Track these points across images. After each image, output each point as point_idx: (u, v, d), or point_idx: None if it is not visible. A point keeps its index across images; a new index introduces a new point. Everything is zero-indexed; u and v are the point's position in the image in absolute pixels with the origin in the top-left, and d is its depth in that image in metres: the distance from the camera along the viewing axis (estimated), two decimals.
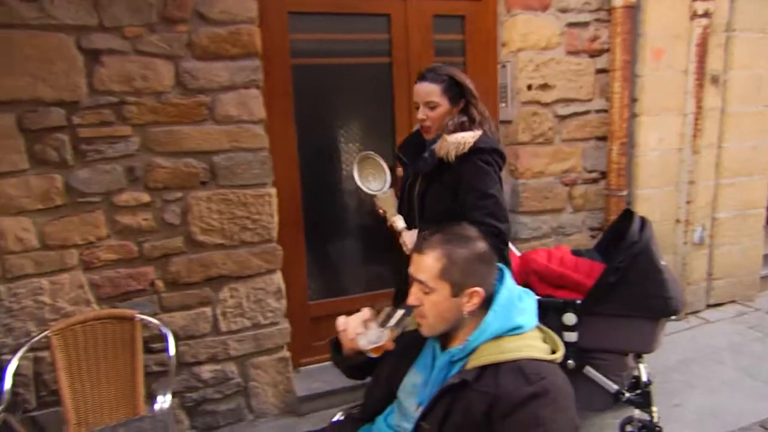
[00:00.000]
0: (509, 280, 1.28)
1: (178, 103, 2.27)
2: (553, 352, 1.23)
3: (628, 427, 2.27)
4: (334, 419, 1.59)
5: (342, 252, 3.01)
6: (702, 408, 2.47)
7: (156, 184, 2.29)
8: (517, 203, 3.00)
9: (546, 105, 2.94)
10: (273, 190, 2.48)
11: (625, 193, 3.07)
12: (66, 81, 2.11)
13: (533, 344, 1.21)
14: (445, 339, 1.32)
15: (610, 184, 3.07)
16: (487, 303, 1.25)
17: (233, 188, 2.41)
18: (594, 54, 2.98)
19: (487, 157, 1.73)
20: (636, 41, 2.94)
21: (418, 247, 1.26)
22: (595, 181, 3.15)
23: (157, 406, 1.80)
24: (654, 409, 2.18)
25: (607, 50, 2.98)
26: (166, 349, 2.06)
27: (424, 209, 1.87)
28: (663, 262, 2.10)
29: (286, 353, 2.63)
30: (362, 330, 1.29)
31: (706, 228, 3.37)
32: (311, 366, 2.87)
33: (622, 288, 2.07)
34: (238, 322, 2.53)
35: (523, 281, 2.33)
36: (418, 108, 1.82)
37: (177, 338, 2.44)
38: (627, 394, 2.21)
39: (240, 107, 2.36)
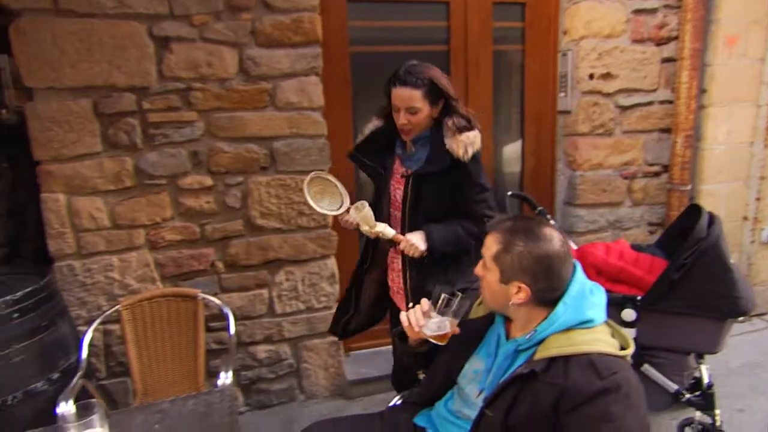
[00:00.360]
0: (580, 274, 1.26)
1: (241, 89, 2.33)
2: (622, 348, 1.21)
3: (687, 429, 2.20)
4: (392, 403, 1.62)
5: None
6: None
7: (218, 168, 2.36)
8: (574, 196, 2.93)
9: (607, 95, 2.85)
10: None
11: (688, 187, 2.94)
12: (138, 67, 2.20)
13: (603, 339, 1.19)
14: (509, 325, 1.32)
15: (672, 178, 2.95)
16: (543, 301, 1.23)
17: (291, 174, 2.46)
18: (661, 42, 2.86)
19: (479, 154, 1.79)
20: (707, 28, 2.80)
21: (491, 226, 1.29)
22: (656, 174, 3.03)
23: (220, 382, 1.88)
24: (717, 412, 2.10)
25: (675, 38, 2.85)
26: (226, 328, 2.13)
27: (416, 213, 1.82)
28: (732, 261, 2.01)
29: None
30: (424, 321, 1.33)
31: None
32: (361, 351, 2.91)
33: (686, 285, 1.99)
34: (293, 304, 2.59)
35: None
36: (397, 111, 1.73)
37: (234, 318, 2.53)
38: (687, 395, 2.14)
39: (300, 94, 2.40)
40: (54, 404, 1.77)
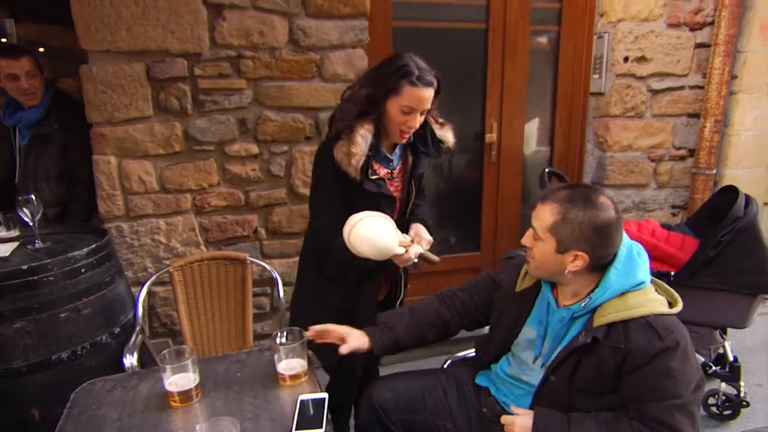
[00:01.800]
0: (626, 236, 1.30)
1: (290, 59, 2.36)
2: (669, 305, 1.27)
3: (711, 400, 2.31)
4: (447, 363, 1.70)
5: (435, 214, 3.07)
6: None
7: (264, 137, 2.41)
8: (602, 176, 3.00)
9: (641, 78, 2.90)
10: None
11: (714, 172, 3.02)
12: (191, 33, 2.22)
13: (655, 298, 1.25)
14: (557, 291, 1.37)
15: (699, 162, 3.02)
16: (595, 267, 1.27)
17: None
18: (695, 27, 2.91)
19: None
20: (744, 15, 2.84)
21: (543, 196, 1.29)
22: (682, 158, 3.11)
23: (278, 340, 1.95)
24: (742, 384, 2.21)
25: (711, 23, 2.90)
26: (268, 293, 2.20)
27: (406, 205, 1.77)
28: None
29: None
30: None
31: None
32: None
33: (721, 262, 2.08)
34: None
35: None
36: (411, 113, 1.52)
37: (274, 283, 2.60)
38: (714, 367, 2.25)
39: (347, 66, 2.43)
40: (118, 356, 1.84)
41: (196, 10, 2.21)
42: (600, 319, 1.24)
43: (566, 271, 1.26)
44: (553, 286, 1.39)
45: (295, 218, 2.54)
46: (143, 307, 2.06)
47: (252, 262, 2.25)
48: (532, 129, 3.14)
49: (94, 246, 1.84)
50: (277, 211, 2.52)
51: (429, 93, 1.50)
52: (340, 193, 1.58)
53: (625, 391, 1.21)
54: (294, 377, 1.35)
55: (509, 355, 1.49)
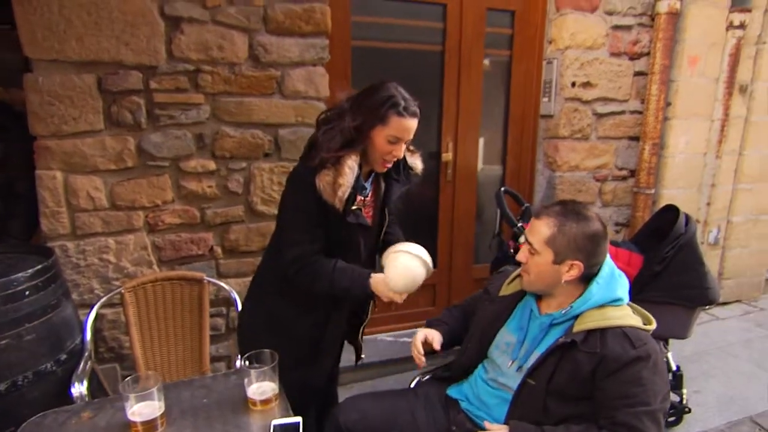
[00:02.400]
0: (609, 258, 1.40)
1: (250, 75, 2.33)
2: (644, 324, 1.36)
3: None
4: (417, 380, 1.70)
5: None
6: (721, 395, 2.64)
7: (222, 153, 2.35)
8: (553, 195, 3.13)
9: (586, 102, 3.07)
10: None
11: (653, 191, 3.22)
12: (147, 46, 2.15)
13: (630, 314, 1.34)
14: (541, 302, 1.44)
15: (639, 182, 3.22)
16: (585, 277, 1.37)
17: (294, 162, 2.46)
18: (634, 57, 3.11)
19: None
20: (674, 47, 3.07)
21: (537, 212, 1.38)
22: (624, 178, 3.30)
23: (239, 363, 1.88)
24: (684, 391, 2.34)
25: (647, 54, 3.11)
26: (236, 312, 2.13)
27: (378, 232, 1.77)
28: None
29: None
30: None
31: (721, 230, 3.55)
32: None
33: (665, 276, 2.21)
34: None
35: None
36: (396, 143, 1.52)
37: (229, 303, 2.53)
38: None
39: (307, 83, 2.43)
40: (64, 386, 1.73)
41: (152, 22, 2.14)
42: (580, 326, 1.32)
43: (562, 281, 1.34)
44: (538, 297, 1.47)
45: (253, 236, 2.48)
46: (92, 331, 1.94)
47: (209, 282, 2.18)
48: (489, 149, 3.24)
49: (39, 267, 1.73)
50: (234, 229, 2.45)
51: (414, 123, 1.52)
52: (319, 221, 1.56)
53: (598, 398, 1.26)
54: (265, 402, 1.31)
55: (485, 362, 1.52)
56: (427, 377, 1.71)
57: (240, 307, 2.10)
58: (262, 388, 1.31)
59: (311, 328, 1.72)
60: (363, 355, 1.98)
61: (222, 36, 2.25)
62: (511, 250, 2.48)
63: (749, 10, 3.17)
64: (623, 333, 1.28)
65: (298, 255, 1.57)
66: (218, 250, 2.45)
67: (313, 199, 1.51)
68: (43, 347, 1.72)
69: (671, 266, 2.20)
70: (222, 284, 2.18)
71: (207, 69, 2.25)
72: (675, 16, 2.99)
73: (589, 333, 1.30)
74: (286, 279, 1.66)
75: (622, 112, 3.17)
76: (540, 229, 1.35)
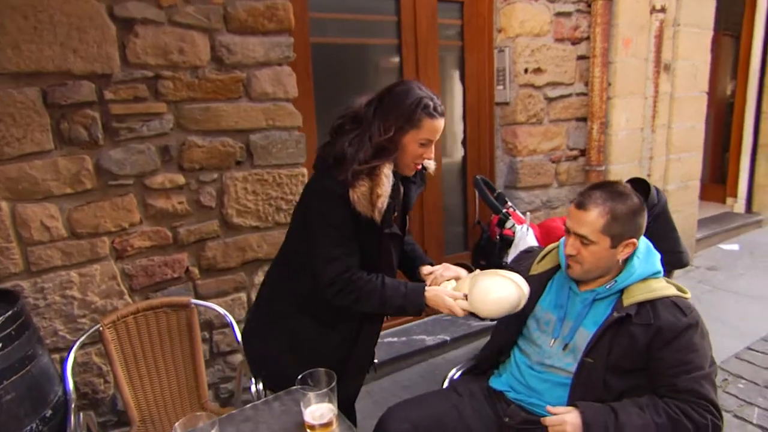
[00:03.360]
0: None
1: (214, 78, 2.16)
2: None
3: None
4: (453, 377, 1.66)
5: None
6: None
7: (191, 165, 2.16)
8: (515, 179, 3.21)
9: (538, 88, 3.18)
10: (305, 170, 2.44)
11: (603, 168, 3.40)
12: (98, 52, 1.92)
13: (669, 285, 1.39)
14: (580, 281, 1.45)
15: (590, 160, 3.38)
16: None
17: (268, 168, 2.34)
18: (575, 41, 3.27)
19: None
20: (611, 31, 3.26)
21: (580, 203, 1.36)
22: (575, 158, 3.46)
23: (253, 388, 1.73)
24: None
25: (587, 38, 3.28)
26: (233, 334, 1.96)
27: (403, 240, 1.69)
28: None
29: None
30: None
31: None
32: None
33: None
34: None
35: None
36: (427, 145, 1.46)
37: (212, 327, 2.34)
38: None
39: (275, 84, 2.29)
40: None
41: (102, 25, 1.91)
42: (629, 300, 1.35)
43: (619, 261, 1.37)
44: None
45: (231, 252, 2.31)
46: (73, 377, 1.70)
47: (197, 306, 1.99)
48: (450, 138, 3.25)
49: (8, 314, 1.48)
50: (210, 246, 2.27)
51: (443, 122, 1.46)
52: (352, 235, 1.46)
53: (655, 368, 1.29)
54: (325, 425, 1.21)
55: (522, 344, 1.52)
56: (459, 373, 1.68)
57: (238, 333, 1.94)
58: (320, 410, 1.21)
59: (338, 347, 1.61)
60: (376, 360, 1.89)
61: (181, 38, 2.06)
62: (497, 237, 2.51)
63: None
64: (672, 303, 1.32)
65: (338, 272, 1.45)
66: (195, 270, 2.26)
67: (345, 213, 1.41)
68: (26, 406, 1.48)
69: (649, 236, 2.33)
70: (214, 306, 2.00)
71: (167, 74, 2.06)
72: (610, 2, 3.18)
73: (640, 306, 1.33)
74: (307, 295, 1.55)
75: (570, 95, 3.32)
76: (591, 220, 1.34)
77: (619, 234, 1.34)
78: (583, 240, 1.35)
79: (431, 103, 1.42)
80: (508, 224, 2.44)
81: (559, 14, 3.16)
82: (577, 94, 3.35)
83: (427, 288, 1.48)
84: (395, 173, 1.48)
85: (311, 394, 1.20)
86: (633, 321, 1.31)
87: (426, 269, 1.65)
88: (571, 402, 1.34)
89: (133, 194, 2.07)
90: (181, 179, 2.15)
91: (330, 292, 1.45)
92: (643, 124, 3.59)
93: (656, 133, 3.65)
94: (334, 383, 1.22)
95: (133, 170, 2.05)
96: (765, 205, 4.96)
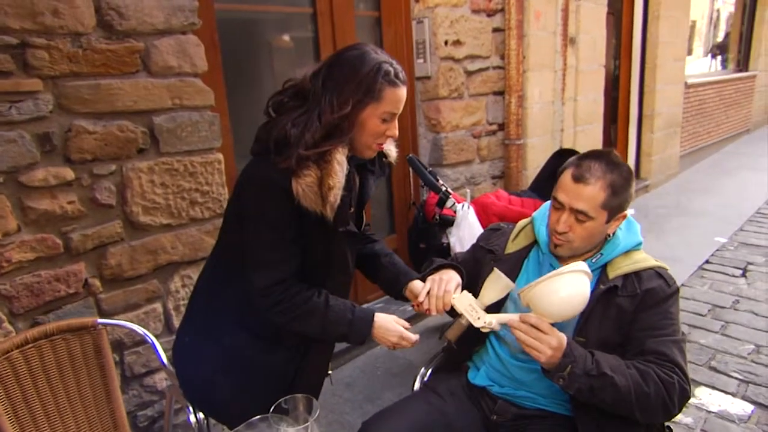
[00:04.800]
0: None
1: (104, 49, 1.77)
2: None
3: None
4: (424, 378, 1.51)
5: None
6: None
7: (81, 156, 1.77)
8: (440, 156, 3.11)
9: (458, 61, 3.09)
10: (221, 156, 2.13)
11: (522, 141, 3.43)
12: None
13: (650, 257, 1.34)
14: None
15: (509, 134, 3.39)
16: None
17: (178, 155, 2.00)
18: (491, 13, 3.21)
19: None
20: (524, 3, 3.25)
21: (579, 176, 1.25)
22: (494, 133, 3.44)
23: (192, 418, 1.44)
24: None
25: (501, 10, 3.24)
26: (156, 355, 1.64)
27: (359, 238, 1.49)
28: None
29: None
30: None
31: None
32: None
33: None
34: None
35: (486, 223, 2.47)
36: (390, 120, 1.24)
37: (123, 347, 1.98)
38: None
39: (180, 56, 1.95)
40: None
41: None
42: (615, 272, 1.29)
43: (610, 233, 1.32)
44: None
45: (140, 256, 1.95)
46: None
47: (105, 326, 1.64)
48: None
49: None
50: (113, 252, 1.89)
51: (405, 91, 1.24)
52: (295, 236, 1.23)
53: (628, 331, 1.24)
54: None
55: (494, 337, 1.41)
56: (431, 371, 1.53)
57: (161, 352, 1.63)
58: None
59: (286, 364, 1.38)
60: (330, 371, 1.67)
61: None
62: (436, 217, 2.39)
63: None
64: (656, 273, 1.29)
65: (271, 282, 1.22)
66: (95, 282, 1.87)
67: (286, 210, 1.18)
68: None
69: None
70: (125, 324, 1.66)
71: (39, 42, 1.64)
72: None
73: (626, 277, 1.28)
74: (246, 305, 1.30)
75: (487, 68, 3.28)
76: (593, 194, 1.23)
77: (616, 207, 1.27)
78: (580, 216, 1.25)
79: (392, 69, 1.21)
80: (449, 203, 2.32)
81: None
82: (494, 68, 3.32)
83: (377, 315, 1.30)
84: (349, 160, 1.25)
85: (289, 430, 0.97)
86: (619, 293, 1.25)
87: (415, 286, 1.42)
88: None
89: (5, 195, 1.64)
90: (69, 173, 1.75)
91: (263, 305, 1.23)
92: (554, 97, 3.67)
93: (565, 105, 3.75)
94: (317, 413, 1.00)
95: (3, 165, 1.62)
96: (650, 171, 5.40)
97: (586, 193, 1.24)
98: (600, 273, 1.31)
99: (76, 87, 1.73)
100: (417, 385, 1.50)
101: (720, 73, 8.01)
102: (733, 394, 2.32)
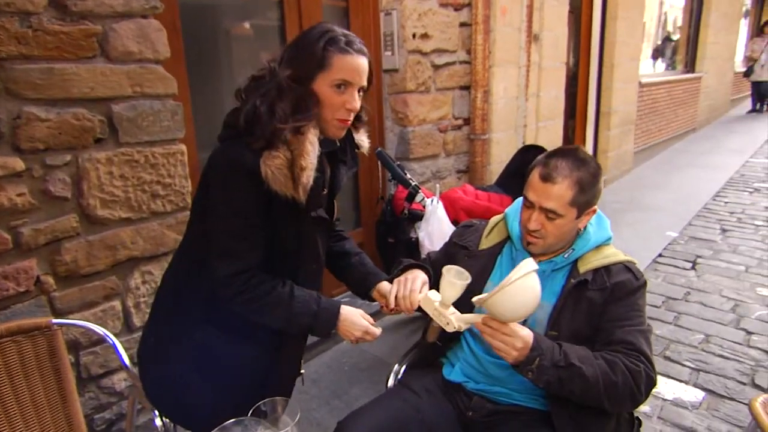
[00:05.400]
0: None
1: (57, 30, 1.65)
2: None
3: None
4: (397, 376, 1.49)
5: None
6: None
7: (33, 145, 1.66)
8: (407, 150, 3.10)
9: (425, 54, 3.07)
10: (184, 147, 2.04)
11: (487, 136, 3.46)
12: None
13: (619, 252, 1.37)
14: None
15: (475, 129, 3.41)
16: None
17: (139, 146, 1.90)
18: (458, 8, 3.21)
19: None
20: None
21: (547, 175, 1.26)
22: (459, 127, 3.45)
23: (158, 421, 1.38)
24: None
25: (467, 5, 3.24)
26: (118, 357, 1.56)
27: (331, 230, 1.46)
28: None
29: None
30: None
31: None
32: None
33: None
34: None
35: (453, 218, 2.48)
36: (345, 91, 1.19)
37: (79, 347, 1.88)
38: None
39: (142, 41, 1.85)
40: None
41: None
42: (585, 267, 1.31)
43: (580, 229, 1.34)
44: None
45: (98, 252, 1.85)
46: None
47: (61, 327, 1.55)
48: None
49: None
50: (68, 248, 1.78)
51: (364, 62, 1.20)
52: (261, 222, 1.18)
53: (598, 325, 1.27)
54: None
55: (468, 334, 1.41)
56: (404, 369, 1.52)
57: (122, 352, 1.55)
58: None
59: (258, 360, 1.34)
60: (303, 371, 1.64)
61: None
62: (406, 212, 2.38)
63: None
64: (625, 267, 1.32)
65: (234, 271, 1.19)
66: (48, 280, 1.76)
67: (253, 194, 1.14)
68: None
69: None
70: (83, 323, 1.57)
71: None
72: None
73: (596, 272, 1.30)
74: (215, 299, 1.25)
75: (454, 63, 3.28)
76: (560, 193, 1.25)
77: (585, 203, 1.29)
78: (549, 214, 1.26)
79: (342, 38, 1.18)
80: (418, 198, 2.32)
81: None
82: (461, 62, 3.32)
83: (343, 308, 1.28)
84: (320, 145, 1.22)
85: None
86: (589, 287, 1.28)
87: (383, 287, 1.41)
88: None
89: None
90: (18, 164, 1.63)
91: (225, 294, 1.20)
92: (518, 93, 3.71)
93: (528, 101, 3.81)
94: (297, 417, 0.97)
95: None
96: (606, 167, 5.57)
97: (554, 192, 1.26)
98: (571, 267, 1.33)
99: (26, 71, 1.61)
100: (391, 382, 1.49)
101: (670, 73, 8.34)
102: (686, 382, 2.42)
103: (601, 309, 1.27)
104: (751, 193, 5.44)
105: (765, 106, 10.36)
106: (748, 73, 9.97)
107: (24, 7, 1.58)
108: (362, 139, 1.39)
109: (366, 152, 1.43)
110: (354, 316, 1.29)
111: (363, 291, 1.47)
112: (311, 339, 2.65)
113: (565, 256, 1.34)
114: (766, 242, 4.08)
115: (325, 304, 1.27)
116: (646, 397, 1.22)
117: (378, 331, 1.30)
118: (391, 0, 2.92)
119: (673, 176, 6.15)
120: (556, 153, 1.31)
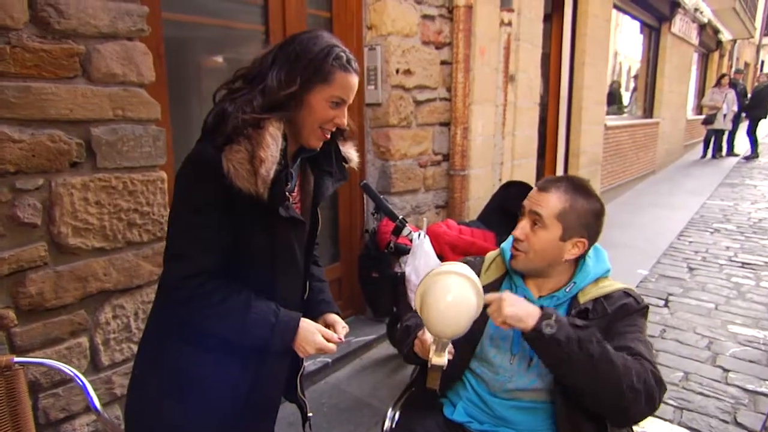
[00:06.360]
0: None
1: (37, 48, 1.57)
2: None
3: None
4: (392, 422, 1.41)
5: None
6: None
7: (2, 167, 1.55)
8: (389, 184, 3.08)
9: (408, 90, 3.10)
10: (165, 174, 1.96)
11: (466, 172, 3.48)
12: None
13: (617, 282, 1.37)
14: (530, 286, 1.37)
15: (454, 165, 3.43)
16: (581, 255, 1.34)
17: (117, 171, 1.81)
18: (439, 46, 3.28)
19: None
20: (471, 39, 3.35)
21: (544, 186, 1.29)
22: (439, 163, 3.47)
23: None
24: None
25: (448, 44, 3.31)
26: (89, 399, 1.42)
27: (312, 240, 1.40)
28: None
29: None
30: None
31: None
32: None
33: None
34: (125, 349, 1.92)
35: (438, 252, 2.44)
36: (338, 107, 1.18)
37: (39, 389, 1.72)
38: None
39: (126, 64, 1.78)
40: None
41: None
42: (585, 297, 1.31)
43: (564, 259, 1.29)
44: (524, 280, 1.37)
45: (67, 284, 1.72)
46: None
47: (23, 366, 1.41)
48: None
49: None
50: (33, 279, 1.65)
51: (356, 82, 1.21)
52: (222, 222, 1.13)
53: None
54: None
55: (476, 366, 1.35)
56: (399, 408, 1.44)
57: (92, 393, 1.42)
58: None
59: (236, 379, 1.24)
60: (310, 414, 1.53)
61: None
62: (391, 246, 2.33)
63: (512, 10, 3.68)
64: (625, 293, 1.32)
65: (183, 275, 1.12)
66: (9, 314, 1.62)
67: (211, 191, 1.10)
68: None
69: None
70: (47, 362, 1.44)
71: None
72: (471, 9, 3.25)
73: (596, 302, 1.29)
74: (187, 312, 1.17)
75: (435, 99, 3.32)
76: (551, 203, 1.27)
77: (572, 227, 1.28)
78: (536, 220, 1.28)
79: (344, 55, 1.18)
80: (405, 232, 2.28)
81: (425, 17, 3.13)
82: (441, 99, 3.37)
83: (303, 320, 1.22)
84: (299, 152, 1.23)
85: None
86: (590, 316, 1.27)
87: (330, 318, 1.38)
88: (561, 424, 1.21)
89: None
90: None
91: (176, 297, 1.13)
92: (495, 131, 3.78)
93: (505, 139, 3.88)
94: None
95: None
96: None
97: (545, 198, 1.28)
98: (571, 300, 1.32)
99: (1, 89, 1.52)
100: (387, 426, 1.40)
101: (632, 117, 8.74)
102: (671, 421, 2.41)
103: (603, 334, 1.24)
104: (711, 233, 5.65)
105: (719, 154, 10.92)
106: (709, 121, 10.44)
107: (3, 22, 1.50)
108: (350, 152, 1.36)
109: (356, 166, 1.39)
110: (309, 333, 1.22)
111: (311, 316, 1.37)
112: None
113: (567, 290, 1.32)
114: (732, 281, 4.20)
115: (284, 317, 1.19)
116: (660, 402, 1.18)
117: (333, 347, 1.23)
118: (375, 36, 2.95)
119: (637, 215, 6.34)
120: (562, 177, 1.33)
